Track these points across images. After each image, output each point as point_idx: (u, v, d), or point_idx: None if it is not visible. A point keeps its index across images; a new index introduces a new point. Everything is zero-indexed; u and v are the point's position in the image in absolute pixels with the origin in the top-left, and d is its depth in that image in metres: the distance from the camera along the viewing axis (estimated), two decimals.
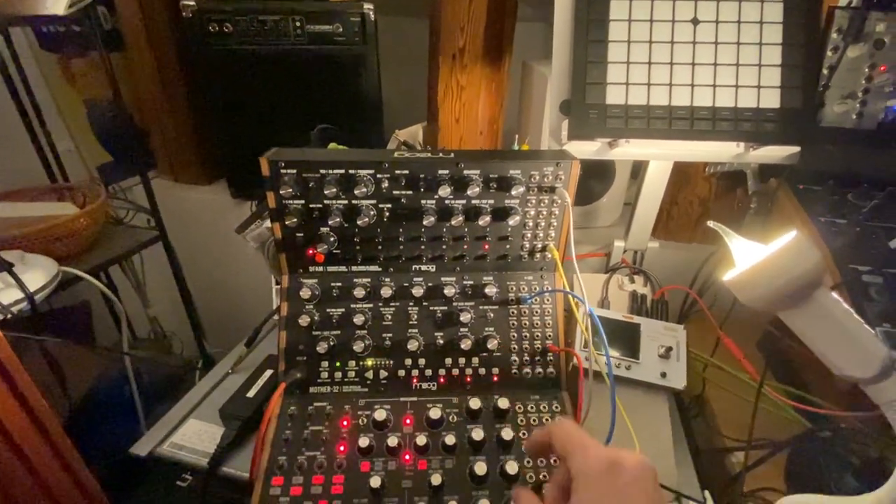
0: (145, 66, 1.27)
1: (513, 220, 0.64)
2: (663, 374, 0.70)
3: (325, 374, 0.66)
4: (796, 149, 0.68)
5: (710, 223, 0.52)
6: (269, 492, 0.56)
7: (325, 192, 0.60)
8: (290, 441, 0.61)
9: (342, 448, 0.61)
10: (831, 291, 0.44)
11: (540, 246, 0.68)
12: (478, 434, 0.60)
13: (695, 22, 0.68)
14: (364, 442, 0.59)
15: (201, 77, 1.17)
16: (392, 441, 0.60)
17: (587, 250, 1.03)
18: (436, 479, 0.56)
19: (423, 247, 0.67)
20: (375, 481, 0.56)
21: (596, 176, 1.14)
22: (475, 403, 0.63)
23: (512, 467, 0.57)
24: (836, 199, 0.70)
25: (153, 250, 1.18)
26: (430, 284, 0.68)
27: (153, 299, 1.51)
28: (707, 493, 0.66)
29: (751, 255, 0.48)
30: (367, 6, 1.16)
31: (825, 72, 0.71)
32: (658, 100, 0.68)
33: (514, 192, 0.63)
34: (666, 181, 0.78)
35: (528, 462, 0.59)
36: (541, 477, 0.58)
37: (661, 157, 0.73)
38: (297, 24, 1.19)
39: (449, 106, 1.16)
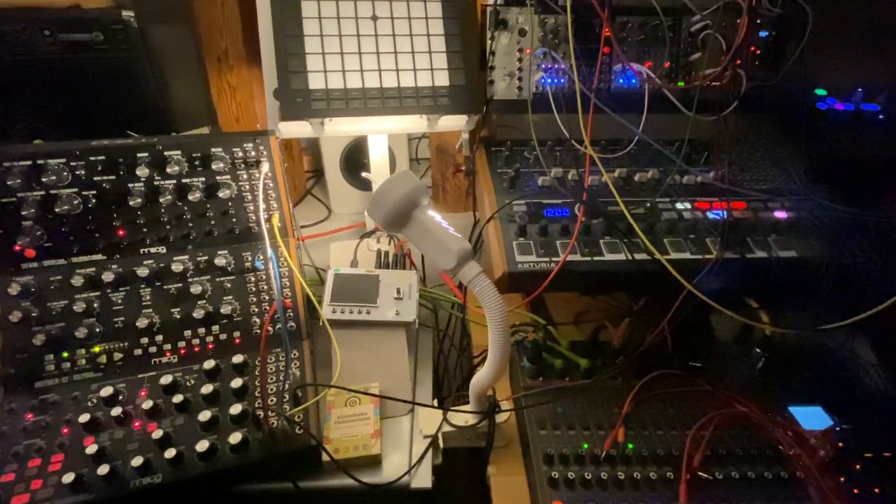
0: None
1: (224, 194, 0.71)
2: (397, 313, 0.83)
3: (51, 367, 0.67)
4: (465, 117, 0.85)
5: (363, 174, 0.65)
6: None
7: (10, 183, 0.61)
8: (6, 434, 0.61)
9: (65, 430, 0.62)
10: (428, 210, 0.59)
11: (266, 217, 0.77)
12: (207, 389, 0.66)
13: (374, 18, 0.82)
14: (84, 418, 0.62)
15: None
16: (115, 411, 0.63)
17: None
18: (157, 434, 0.61)
19: (145, 230, 0.71)
20: (91, 449, 0.59)
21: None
22: (209, 364, 0.69)
23: (235, 409, 0.65)
24: (509, 155, 0.90)
25: None
26: (160, 265, 0.72)
27: None
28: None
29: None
30: (127, 13, 1.16)
31: (490, 55, 0.90)
32: (353, 83, 0.81)
33: (217, 167, 0.70)
34: (386, 153, 0.92)
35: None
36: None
37: (364, 132, 0.86)
38: (47, 33, 1.14)
39: (225, 107, 1.20)
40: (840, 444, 0.69)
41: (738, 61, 0.91)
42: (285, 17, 0.79)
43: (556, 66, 0.89)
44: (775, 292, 0.74)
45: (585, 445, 0.67)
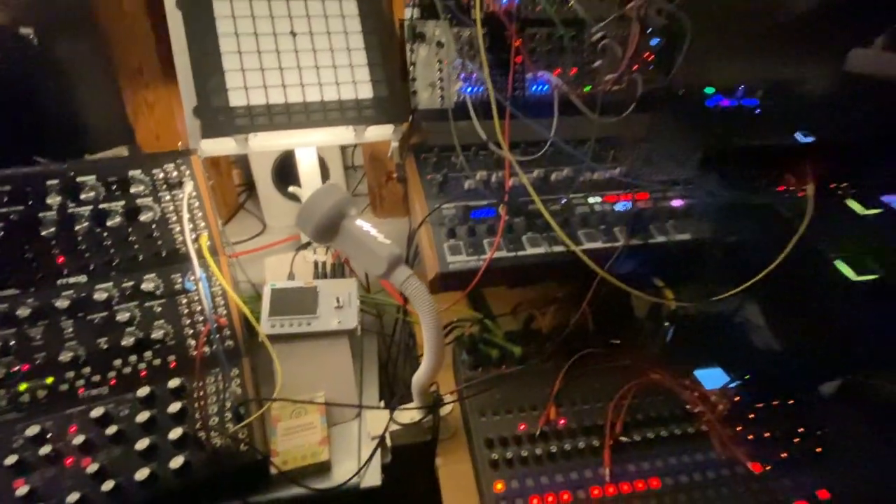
0: None
1: (146, 217, 0.70)
2: (339, 321, 0.85)
3: None
4: (391, 127, 0.89)
5: (290, 188, 0.66)
6: None
7: None
8: None
9: None
10: (355, 220, 0.62)
11: (193, 238, 0.76)
12: (143, 416, 0.65)
13: (293, 34, 0.83)
14: (11, 460, 0.59)
15: None
16: (44, 450, 0.60)
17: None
18: (91, 469, 0.60)
19: (61, 260, 0.69)
20: (22, 491, 0.57)
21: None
22: (143, 391, 0.68)
23: (175, 433, 0.64)
24: (437, 161, 0.94)
25: None
26: (81, 295, 0.70)
27: None
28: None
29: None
30: (25, 30, 1.08)
31: (411, 67, 0.94)
32: (276, 99, 0.82)
33: (136, 191, 0.69)
34: (317, 166, 0.94)
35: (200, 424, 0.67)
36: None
37: (291, 145, 0.87)
38: None
39: (144, 124, 1.16)
40: (736, 399, 0.80)
41: (635, 67, 1.02)
42: (199, 32, 0.78)
43: (474, 75, 0.95)
44: (676, 271, 0.84)
45: (522, 427, 0.73)
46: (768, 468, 0.69)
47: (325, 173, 1.29)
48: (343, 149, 1.42)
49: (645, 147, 1.03)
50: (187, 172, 0.72)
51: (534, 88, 1.00)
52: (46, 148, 1.17)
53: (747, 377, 0.84)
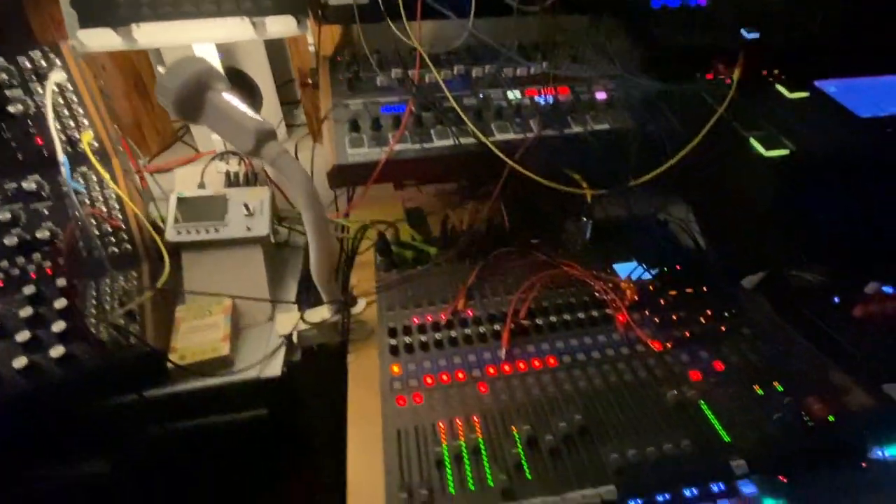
0: None
1: (16, 110, 0.66)
2: (248, 228, 0.82)
3: None
4: (293, 20, 0.83)
5: (158, 67, 0.62)
6: None
7: None
8: None
9: None
10: (223, 93, 0.58)
11: (75, 135, 0.72)
12: (26, 312, 0.63)
13: None
14: None
15: None
16: None
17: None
18: None
19: None
20: None
21: (242, 93, 1.21)
22: (29, 290, 0.66)
23: (59, 326, 0.63)
24: (350, 61, 0.89)
25: None
26: None
27: None
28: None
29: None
30: None
31: None
32: None
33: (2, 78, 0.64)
34: (218, 63, 0.88)
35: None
36: None
37: (184, 41, 0.82)
38: None
39: (40, 20, 1.08)
40: (651, 288, 0.80)
41: None
42: None
43: None
44: (594, 165, 0.81)
45: (429, 317, 0.72)
46: (669, 345, 0.69)
47: (252, 93, 1.22)
48: (280, 84, 1.35)
49: (580, 46, 0.98)
50: (57, 63, 0.67)
51: None
52: None
53: (665, 269, 0.83)
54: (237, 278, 0.82)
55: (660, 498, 0.67)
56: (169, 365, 0.67)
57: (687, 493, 0.67)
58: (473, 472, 0.54)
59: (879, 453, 0.73)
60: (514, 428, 0.58)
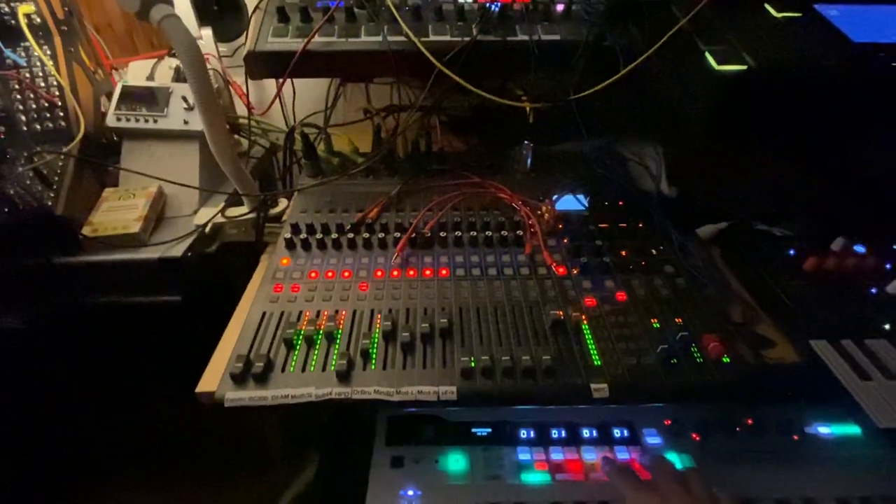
0: None
1: None
2: (185, 122, 0.83)
3: None
4: None
5: None
6: None
7: None
8: None
9: None
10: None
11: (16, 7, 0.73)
12: None
13: None
14: None
15: None
16: None
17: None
18: None
19: None
20: None
21: (231, 11, 1.20)
22: None
23: None
24: None
25: None
26: None
27: None
28: None
29: None
30: None
31: None
32: None
33: None
34: None
35: None
36: None
37: None
38: None
39: None
40: (582, 217, 0.73)
41: None
42: None
43: None
44: (536, 78, 0.74)
45: (337, 221, 0.70)
46: (575, 271, 0.64)
47: (240, 11, 1.21)
48: None
49: None
50: None
51: None
52: None
53: (606, 203, 0.76)
54: (171, 168, 0.83)
55: (554, 433, 0.65)
56: (80, 237, 0.69)
57: (585, 433, 0.64)
58: (320, 356, 0.53)
59: (819, 429, 0.66)
60: (377, 321, 0.56)
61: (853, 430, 0.65)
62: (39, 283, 0.70)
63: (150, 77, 0.89)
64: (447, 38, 0.73)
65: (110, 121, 0.81)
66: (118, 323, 0.78)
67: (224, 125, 0.65)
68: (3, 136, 0.73)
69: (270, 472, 0.95)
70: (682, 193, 0.81)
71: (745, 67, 0.61)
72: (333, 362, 0.51)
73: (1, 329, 0.70)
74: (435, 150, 0.83)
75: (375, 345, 0.53)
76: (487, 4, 0.77)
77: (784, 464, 0.61)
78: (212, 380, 0.52)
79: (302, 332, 0.54)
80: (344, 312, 0.57)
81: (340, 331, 0.55)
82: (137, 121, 0.82)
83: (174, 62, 0.92)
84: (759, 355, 0.58)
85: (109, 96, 0.88)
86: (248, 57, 0.70)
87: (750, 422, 0.65)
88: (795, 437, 0.65)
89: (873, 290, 0.63)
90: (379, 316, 0.56)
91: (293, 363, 0.52)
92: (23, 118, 0.75)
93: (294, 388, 0.49)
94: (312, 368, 0.51)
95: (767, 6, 0.74)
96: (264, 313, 0.57)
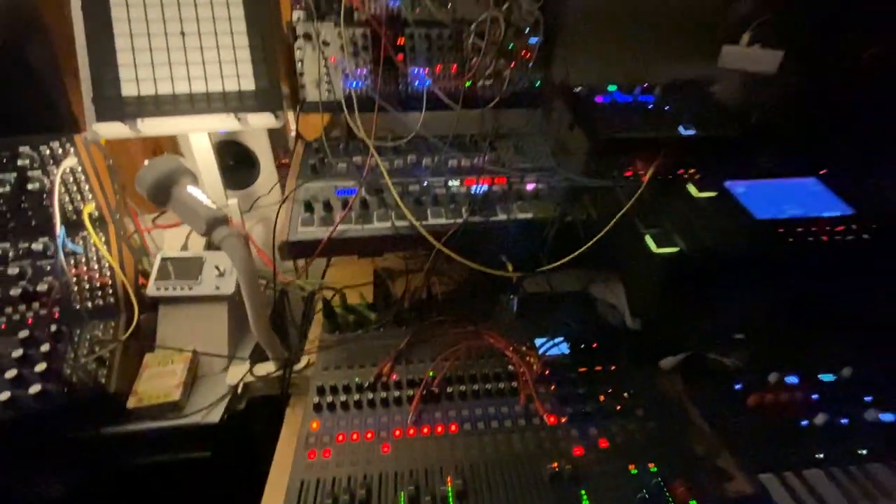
0: None
1: (33, 187, 0.82)
2: (217, 287, 0.95)
3: None
4: (272, 115, 1.00)
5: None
6: None
7: None
8: None
9: None
10: (188, 187, 0.72)
11: (76, 207, 0.88)
12: (17, 353, 0.76)
13: (182, 34, 0.95)
14: None
15: None
16: None
17: (250, 222, 1.26)
18: None
19: None
20: None
21: (246, 164, 1.39)
22: (24, 334, 0.79)
23: (40, 367, 0.75)
24: (318, 147, 1.04)
25: None
26: None
27: None
28: None
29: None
30: None
31: (298, 64, 1.05)
32: (164, 90, 0.93)
33: (23, 164, 0.81)
34: (209, 148, 1.05)
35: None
36: None
37: (179, 129, 0.99)
38: None
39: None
40: (563, 363, 0.87)
41: (513, 64, 1.11)
42: (97, 31, 0.91)
43: (359, 70, 1.05)
44: (516, 247, 0.92)
45: (357, 379, 0.82)
46: (563, 420, 0.76)
47: (254, 165, 1.40)
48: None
49: (522, 138, 1.11)
50: (71, 150, 0.84)
51: (417, 84, 1.09)
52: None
53: (583, 346, 0.90)
54: (202, 330, 0.94)
55: None
56: (131, 405, 0.78)
57: None
58: None
59: None
60: (400, 487, 0.65)
61: None
62: (89, 452, 0.77)
63: (185, 246, 1.03)
64: (443, 220, 0.90)
65: (151, 291, 0.93)
66: (151, 480, 0.84)
67: (266, 313, 0.77)
68: (58, 317, 0.84)
69: None
70: (645, 325, 0.96)
71: (677, 250, 0.80)
72: None
73: (48, 496, 0.76)
74: (434, 298, 0.97)
75: None
76: (473, 188, 0.96)
77: None
78: None
79: (337, 500, 0.63)
80: (371, 476, 0.67)
81: (367, 498, 0.64)
82: (175, 289, 0.94)
83: None
84: (722, 489, 0.70)
85: (142, 261, 1.01)
86: (282, 246, 0.85)
87: None
88: None
89: (804, 423, 0.77)
90: (401, 484, 0.66)
91: None
92: (77, 298, 0.86)
93: None
94: None
95: (689, 187, 0.95)
96: (302, 482, 0.66)
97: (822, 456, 0.73)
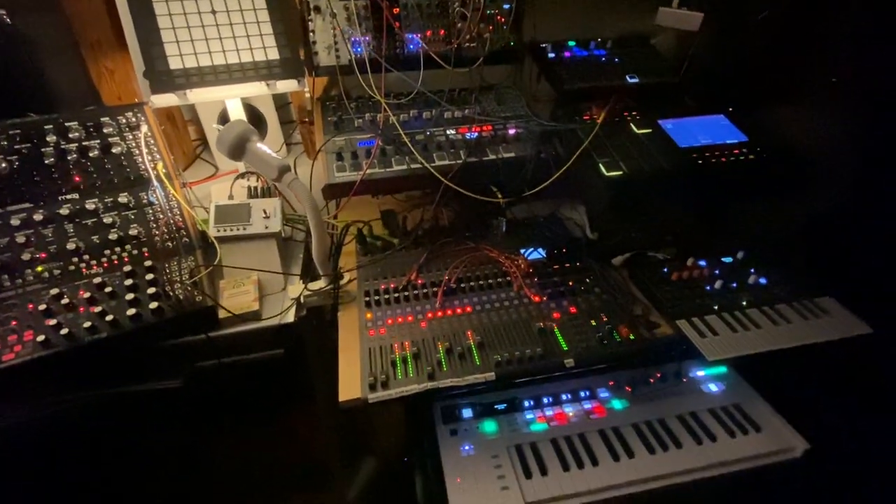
0: None
1: (116, 150, 1.01)
2: (266, 227, 1.18)
3: (7, 284, 0.95)
4: (295, 81, 1.19)
5: (214, 125, 0.97)
6: None
7: None
8: None
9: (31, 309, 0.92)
10: (257, 143, 0.93)
11: (152, 165, 1.07)
12: (128, 282, 0.99)
13: (213, 13, 1.11)
14: (42, 307, 0.92)
15: None
16: (64, 301, 0.94)
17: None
18: (97, 310, 0.94)
19: (60, 182, 1.00)
20: (52, 321, 0.90)
21: (254, 123, 1.56)
22: (127, 268, 1.01)
23: (151, 289, 0.98)
24: (335, 107, 1.25)
25: None
26: (77, 207, 1.01)
27: None
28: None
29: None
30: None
31: (312, 34, 1.23)
32: (204, 62, 1.11)
33: (107, 131, 0.99)
34: (242, 111, 1.23)
35: None
36: None
37: (221, 97, 1.17)
38: None
39: (107, 87, 1.42)
40: (542, 263, 1.17)
41: (491, 27, 1.33)
42: (141, 14, 1.06)
43: (365, 38, 1.24)
44: (505, 179, 1.19)
45: (392, 285, 1.09)
46: (545, 299, 1.06)
47: (261, 125, 1.58)
48: (279, 107, 1.71)
49: (504, 91, 1.35)
50: (143, 118, 1.02)
51: (410, 48, 1.30)
52: (24, 108, 1.44)
53: (555, 251, 1.21)
54: (259, 261, 1.18)
55: (545, 399, 1.06)
56: (221, 316, 1.03)
57: (563, 396, 1.06)
58: (413, 367, 0.91)
59: (697, 373, 1.13)
60: (439, 344, 0.95)
61: (721, 369, 1.12)
62: (197, 352, 1.02)
63: (231, 196, 1.24)
64: (446, 161, 1.15)
65: (213, 232, 1.15)
66: (244, 374, 1.10)
67: (326, 239, 1.01)
68: (147, 255, 1.05)
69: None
70: (601, 235, 1.27)
71: (621, 173, 1.09)
72: (424, 370, 0.90)
73: (166, 389, 1.01)
74: (440, 226, 1.24)
75: (443, 356, 0.92)
76: (466, 135, 1.21)
77: (679, 395, 1.07)
78: (349, 392, 0.89)
79: (398, 356, 0.92)
80: (417, 341, 0.96)
81: (419, 351, 0.93)
82: (232, 230, 1.16)
83: (244, 182, 1.27)
84: (653, 333, 1.03)
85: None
86: (326, 188, 1.08)
87: (659, 375, 1.10)
88: (684, 380, 1.11)
89: (707, 288, 1.11)
90: (440, 343, 0.95)
91: (398, 373, 0.89)
92: (159, 239, 1.07)
93: (405, 386, 0.87)
94: (411, 374, 0.89)
95: (631, 125, 1.23)
96: (370, 349, 0.95)
97: (717, 307, 1.08)
